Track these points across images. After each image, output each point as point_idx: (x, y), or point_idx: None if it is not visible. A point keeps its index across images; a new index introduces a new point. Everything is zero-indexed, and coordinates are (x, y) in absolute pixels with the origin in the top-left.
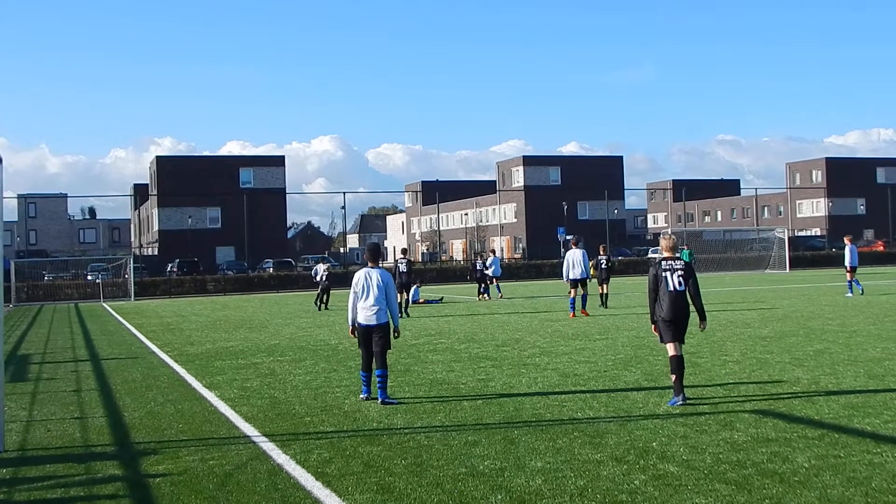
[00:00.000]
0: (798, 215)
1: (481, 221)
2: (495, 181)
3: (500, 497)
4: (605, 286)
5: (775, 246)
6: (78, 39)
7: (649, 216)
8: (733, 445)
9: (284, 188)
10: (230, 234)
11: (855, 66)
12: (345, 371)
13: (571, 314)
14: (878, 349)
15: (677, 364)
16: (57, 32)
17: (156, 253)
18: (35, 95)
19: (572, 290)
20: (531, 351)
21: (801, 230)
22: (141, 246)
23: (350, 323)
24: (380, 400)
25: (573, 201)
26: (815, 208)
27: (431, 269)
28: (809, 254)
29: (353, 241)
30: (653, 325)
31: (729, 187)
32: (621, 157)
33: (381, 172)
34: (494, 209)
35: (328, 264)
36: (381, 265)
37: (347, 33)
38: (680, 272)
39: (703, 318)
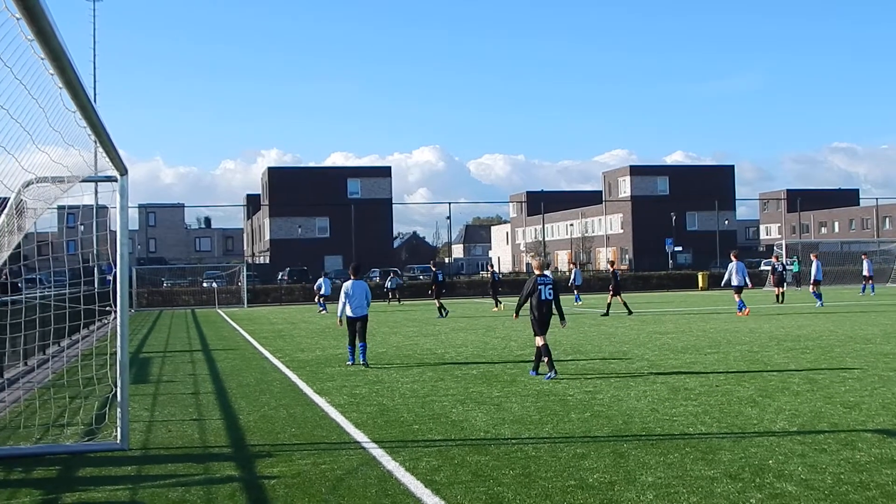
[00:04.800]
0: None
1: (587, 232)
2: (600, 191)
3: None
4: (615, 297)
5: None
6: (188, 52)
7: (762, 227)
8: (855, 466)
9: (391, 198)
10: (338, 243)
11: None
12: (451, 380)
13: (738, 313)
14: None
15: (547, 349)
16: (169, 46)
17: (267, 261)
18: (151, 110)
19: (736, 295)
20: (639, 364)
21: None
22: (253, 254)
23: (339, 315)
24: (363, 362)
25: (682, 211)
26: None
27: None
28: None
29: (457, 251)
30: (515, 314)
31: (847, 197)
32: (732, 166)
33: (483, 182)
34: (600, 220)
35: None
36: (361, 278)
37: (447, 44)
38: (550, 286)
39: (562, 318)
